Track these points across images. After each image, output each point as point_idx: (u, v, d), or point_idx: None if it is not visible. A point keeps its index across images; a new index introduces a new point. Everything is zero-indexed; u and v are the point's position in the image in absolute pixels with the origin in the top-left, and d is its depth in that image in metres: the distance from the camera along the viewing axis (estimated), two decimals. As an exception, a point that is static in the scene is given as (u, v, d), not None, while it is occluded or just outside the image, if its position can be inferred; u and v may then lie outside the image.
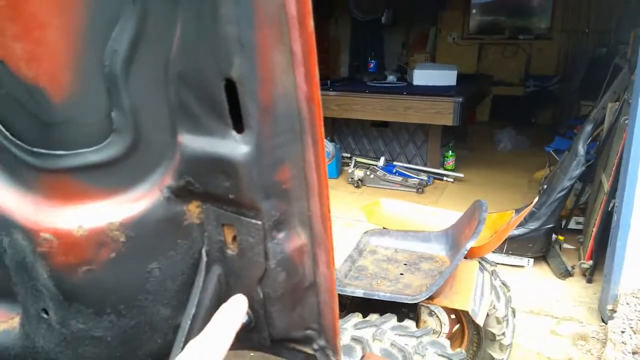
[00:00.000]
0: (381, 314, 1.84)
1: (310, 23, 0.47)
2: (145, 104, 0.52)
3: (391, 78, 5.77)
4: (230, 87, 0.47)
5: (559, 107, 7.09)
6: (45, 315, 0.64)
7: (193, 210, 0.58)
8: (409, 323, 1.80)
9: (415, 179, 4.89)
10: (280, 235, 0.56)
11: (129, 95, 0.52)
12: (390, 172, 4.98)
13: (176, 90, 0.50)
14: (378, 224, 2.61)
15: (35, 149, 0.55)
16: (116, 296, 0.62)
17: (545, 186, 3.73)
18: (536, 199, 2.88)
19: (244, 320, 0.62)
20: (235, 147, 0.50)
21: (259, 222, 0.54)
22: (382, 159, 5.12)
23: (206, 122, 0.50)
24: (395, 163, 5.20)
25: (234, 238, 0.57)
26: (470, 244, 1.96)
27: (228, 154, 0.50)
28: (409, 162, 5.32)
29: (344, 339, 1.71)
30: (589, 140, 3.41)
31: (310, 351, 0.67)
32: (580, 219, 3.74)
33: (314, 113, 0.49)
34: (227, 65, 0.46)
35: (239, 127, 0.49)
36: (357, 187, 4.98)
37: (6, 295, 0.72)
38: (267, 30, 0.45)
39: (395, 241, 2.40)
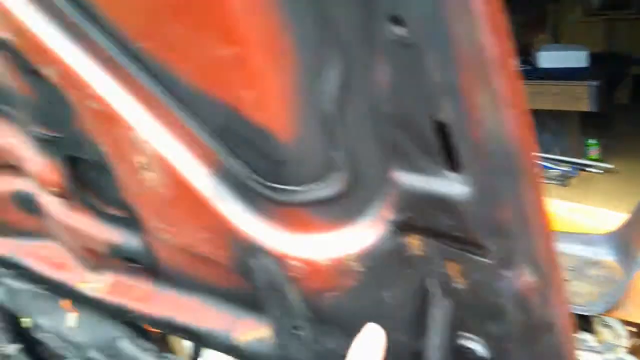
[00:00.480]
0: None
1: (511, 62, 0.47)
2: (359, 143, 0.57)
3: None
4: (441, 128, 0.49)
5: None
6: (297, 332, 0.73)
7: (414, 244, 0.61)
8: (586, 336, 1.70)
9: (557, 170, 4.58)
10: (509, 273, 0.57)
11: (345, 136, 0.56)
12: (529, 163, 4.71)
13: (388, 131, 0.53)
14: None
15: (269, 184, 0.63)
16: (360, 321, 0.67)
17: None
18: None
19: (483, 354, 0.65)
20: (453, 186, 0.52)
21: (486, 260, 0.56)
22: (518, 150, 4.85)
23: (417, 160, 0.53)
24: (532, 154, 4.91)
25: (460, 272, 0.60)
26: (648, 249, 1.81)
27: (444, 192, 0.53)
28: (548, 152, 5.00)
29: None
30: None
31: None
32: None
33: (526, 152, 0.50)
34: (435, 108, 0.48)
35: (453, 166, 0.51)
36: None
37: (252, 307, 0.84)
38: (470, 73, 0.46)
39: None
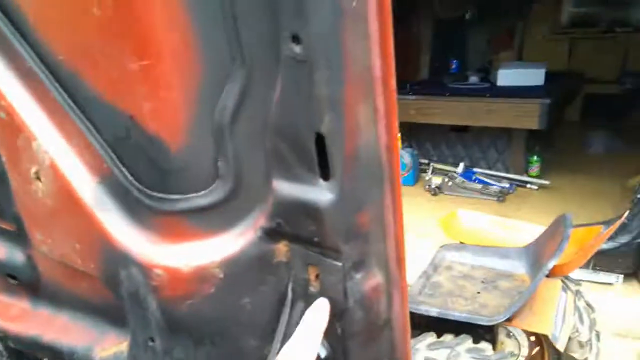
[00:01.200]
0: (456, 335, 1.83)
1: (393, 82, 0.52)
2: (245, 153, 0.59)
3: (473, 79, 5.60)
4: (319, 140, 0.53)
5: (659, 106, 6.57)
6: (151, 343, 0.73)
7: (281, 250, 0.64)
8: (485, 345, 1.78)
9: (496, 187, 4.74)
10: (359, 276, 0.60)
11: (232, 145, 0.59)
12: (470, 179, 4.85)
13: (272, 141, 0.56)
14: (455, 239, 2.59)
15: (154, 193, 0.64)
16: (213, 327, 0.69)
17: (639, 195, 3.50)
18: (628, 211, 2.72)
19: (324, 354, 0.68)
20: (321, 193, 0.55)
21: (340, 264, 0.59)
22: (462, 165, 4.99)
23: (297, 170, 0.56)
24: (475, 169, 5.05)
25: (317, 276, 0.62)
26: (553, 262, 1.90)
27: (315, 200, 0.55)
28: (490, 168, 5.15)
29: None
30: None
31: None
32: (680, 233, 3.47)
33: (392, 161, 0.54)
34: (319, 121, 0.52)
35: (325, 175, 0.55)
36: (434, 194, 4.89)
37: (116, 322, 0.82)
38: (354, 89, 0.50)
39: (472, 257, 2.36)
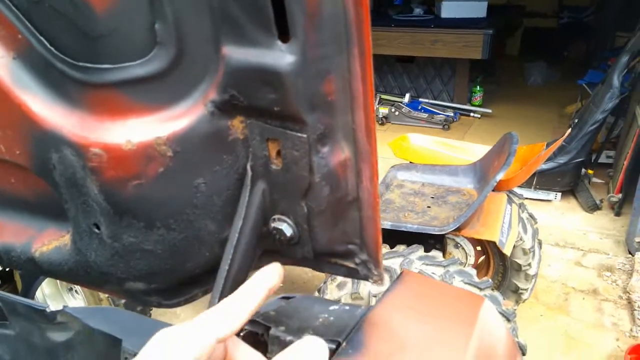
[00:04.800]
0: (408, 245, 1.87)
1: None
2: (188, 15, 0.52)
3: (418, 11, 5.57)
4: None
5: (593, 39, 6.79)
6: (96, 230, 0.67)
7: (237, 126, 0.58)
8: (436, 253, 1.84)
9: (441, 115, 4.82)
10: (325, 149, 0.56)
11: (171, 5, 0.51)
12: (416, 108, 4.91)
13: (220, 1, 0.49)
14: (405, 159, 2.61)
15: (80, 63, 0.56)
16: (165, 210, 0.64)
17: (576, 120, 3.65)
18: (567, 132, 2.83)
19: (290, 233, 0.64)
20: (281, 57, 0.49)
21: (304, 136, 0.54)
22: (408, 95, 5.04)
23: (251, 32, 0.49)
24: (420, 99, 5.12)
25: (278, 153, 0.58)
26: (500, 175, 1.95)
27: (273, 64, 0.49)
28: (435, 99, 5.23)
29: (373, 268, 1.76)
30: (625, 72, 3.29)
31: (352, 265, 0.68)
32: (611, 153, 3.67)
33: (362, 19, 0.47)
34: None
35: (284, 37, 0.48)
36: (382, 124, 4.95)
37: (56, 215, 0.75)
38: None
39: (422, 175, 2.40)
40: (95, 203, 0.66)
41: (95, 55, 0.55)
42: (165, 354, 0.38)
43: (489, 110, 4.98)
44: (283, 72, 0.50)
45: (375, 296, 1.73)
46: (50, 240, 0.78)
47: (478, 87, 5.18)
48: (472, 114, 5.02)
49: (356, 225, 0.64)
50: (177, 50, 0.54)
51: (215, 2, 0.50)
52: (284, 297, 0.81)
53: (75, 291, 2.43)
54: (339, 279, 1.91)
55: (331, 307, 0.75)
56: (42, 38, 0.57)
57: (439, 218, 2.07)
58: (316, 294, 1.97)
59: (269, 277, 0.51)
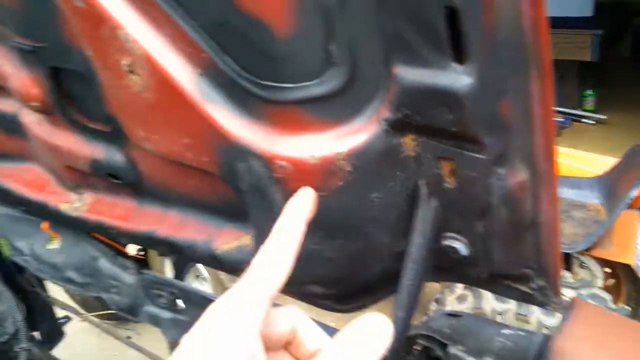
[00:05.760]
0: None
1: None
2: (360, 36, 0.53)
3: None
4: (451, 16, 0.45)
5: None
6: None
7: (409, 143, 0.59)
8: (564, 273, 1.74)
9: (550, 121, 4.58)
10: (502, 171, 0.55)
11: (344, 28, 0.53)
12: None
13: (392, 21, 0.50)
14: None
15: (265, 82, 0.60)
16: (345, 221, 0.67)
17: None
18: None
19: (465, 252, 0.64)
20: (457, 78, 0.49)
21: (482, 157, 0.54)
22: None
23: (423, 53, 0.49)
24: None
25: (451, 171, 0.58)
26: (635, 192, 1.82)
27: (450, 86, 0.49)
28: (543, 103, 4.97)
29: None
30: None
31: (527, 290, 0.68)
32: None
33: (540, 40, 0.46)
34: None
35: (459, 57, 0.48)
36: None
37: (232, 216, 0.83)
38: None
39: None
40: (279, 209, 0.73)
41: (278, 75, 0.59)
42: (226, 332, 0.36)
43: (604, 117, 4.64)
44: (461, 93, 0.49)
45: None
46: (230, 240, 0.85)
47: (589, 90, 4.86)
48: (584, 120, 4.71)
49: (533, 248, 0.63)
50: (350, 70, 0.55)
51: (390, 27, 0.50)
52: (450, 315, 0.85)
53: (203, 278, 2.58)
54: (459, 291, 1.86)
55: (504, 331, 0.79)
56: (226, 58, 0.61)
57: (565, 234, 1.96)
58: (433, 304, 1.93)
59: (303, 207, 0.50)
